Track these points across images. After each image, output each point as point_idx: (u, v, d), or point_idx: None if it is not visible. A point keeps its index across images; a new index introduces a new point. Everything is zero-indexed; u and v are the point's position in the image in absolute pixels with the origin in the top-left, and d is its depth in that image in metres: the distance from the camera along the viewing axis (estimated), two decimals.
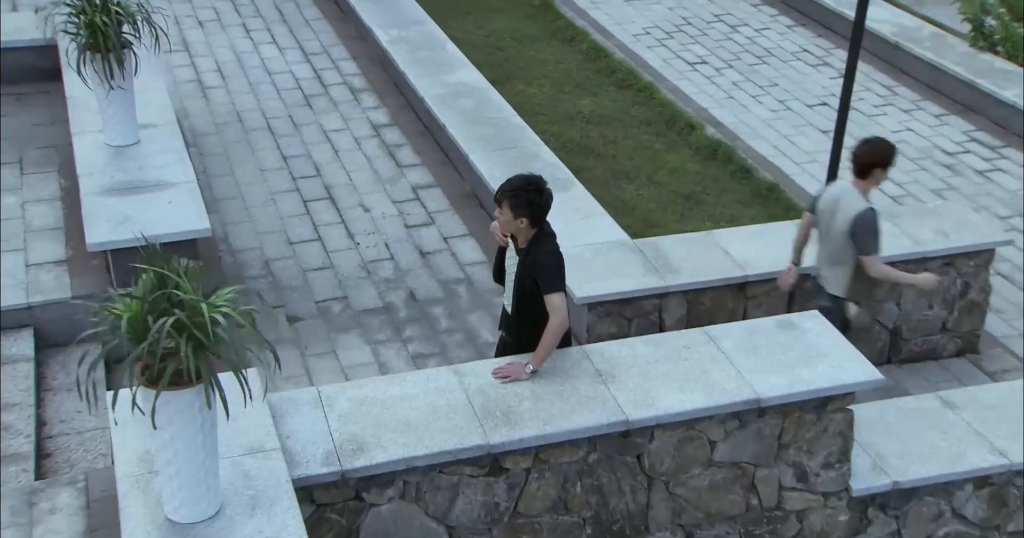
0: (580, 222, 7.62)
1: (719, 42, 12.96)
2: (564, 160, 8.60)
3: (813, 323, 5.75)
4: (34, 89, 8.31)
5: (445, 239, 8.09)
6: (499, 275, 5.53)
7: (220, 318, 3.79)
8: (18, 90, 8.23)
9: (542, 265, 5.17)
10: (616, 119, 10.83)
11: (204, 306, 3.77)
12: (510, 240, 5.33)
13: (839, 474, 5.68)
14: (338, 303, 7.37)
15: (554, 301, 5.15)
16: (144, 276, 3.85)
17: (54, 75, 8.01)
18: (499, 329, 5.64)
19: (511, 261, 5.35)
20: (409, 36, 10.44)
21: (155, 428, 3.91)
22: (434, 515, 5.00)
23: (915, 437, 6.08)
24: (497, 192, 5.17)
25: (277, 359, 3.95)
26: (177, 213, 6.16)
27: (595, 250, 7.17)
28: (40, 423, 5.57)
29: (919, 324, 7.44)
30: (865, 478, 5.78)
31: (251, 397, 3.94)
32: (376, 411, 5.04)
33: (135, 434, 4.57)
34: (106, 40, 6.30)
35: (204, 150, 9.06)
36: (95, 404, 4.37)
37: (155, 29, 6.67)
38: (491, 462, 4.98)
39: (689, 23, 13.46)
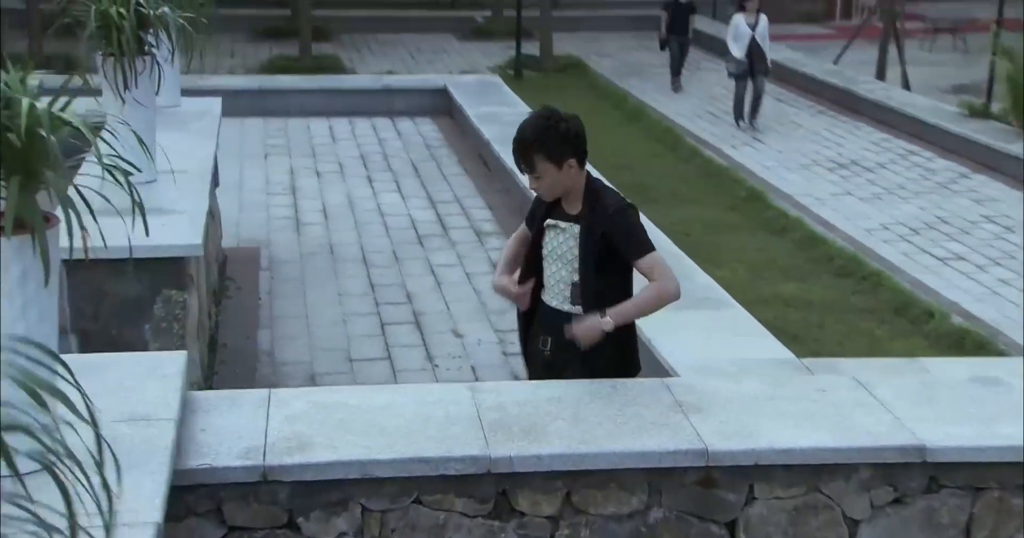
0: (733, 339, 6.85)
1: (985, 241, 12.31)
2: None
3: None
4: None
5: None
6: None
7: (40, 109, 3.29)
8: None
9: (621, 223, 4.56)
10: (826, 305, 10.20)
11: (24, 100, 3.29)
12: (547, 223, 4.69)
13: None
14: None
15: (657, 262, 4.58)
16: None
17: None
18: (541, 346, 4.80)
19: (560, 239, 4.66)
20: None
21: None
22: None
23: None
24: (517, 154, 4.56)
25: (138, 202, 3.40)
26: (165, 231, 5.82)
27: (743, 365, 6.32)
28: None
29: None
30: None
31: (85, 251, 3.35)
32: (342, 415, 4.29)
33: None
34: (120, 36, 6.24)
35: (278, 274, 8.86)
36: None
37: (191, 43, 6.65)
38: (496, 494, 4.08)
39: (945, 222, 12.92)
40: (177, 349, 5.76)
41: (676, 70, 20.75)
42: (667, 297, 4.56)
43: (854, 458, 4.19)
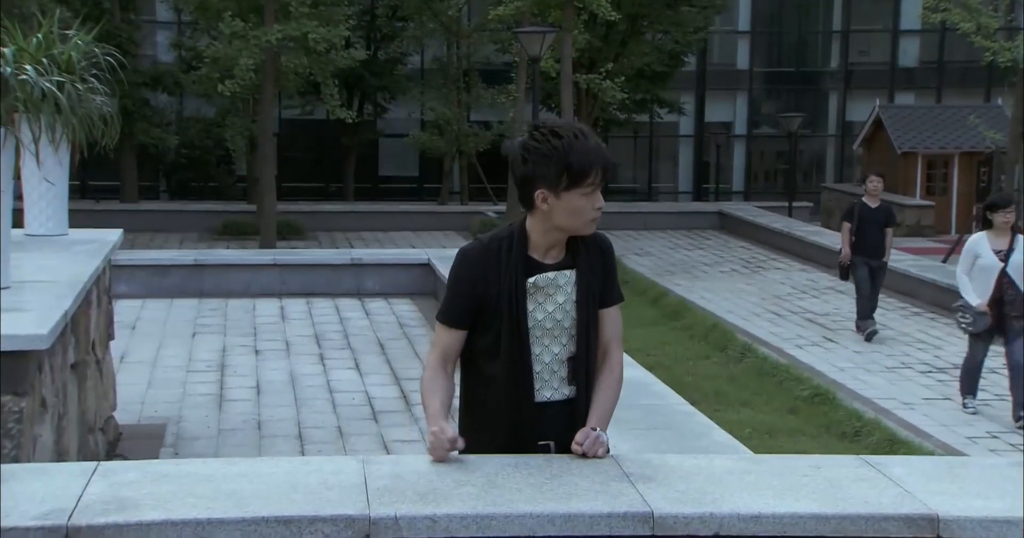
0: None
1: None
2: None
3: None
4: None
5: None
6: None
7: None
8: None
9: (613, 257, 4.71)
10: None
11: None
12: (532, 284, 4.59)
13: None
14: None
15: (618, 319, 4.70)
16: None
17: None
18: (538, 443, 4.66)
19: (553, 305, 4.59)
20: None
21: None
22: None
23: None
24: (606, 166, 4.50)
25: None
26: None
27: None
28: None
29: None
30: None
31: None
32: (185, 483, 4.23)
33: None
34: None
35: (185, 451, 8.85)
36: None
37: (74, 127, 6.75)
38: None
39: None
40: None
41: (866, 309, 17.21)
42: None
43: (844, 524, 4.09)
